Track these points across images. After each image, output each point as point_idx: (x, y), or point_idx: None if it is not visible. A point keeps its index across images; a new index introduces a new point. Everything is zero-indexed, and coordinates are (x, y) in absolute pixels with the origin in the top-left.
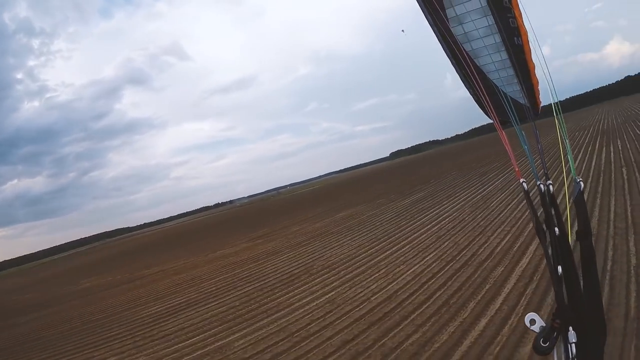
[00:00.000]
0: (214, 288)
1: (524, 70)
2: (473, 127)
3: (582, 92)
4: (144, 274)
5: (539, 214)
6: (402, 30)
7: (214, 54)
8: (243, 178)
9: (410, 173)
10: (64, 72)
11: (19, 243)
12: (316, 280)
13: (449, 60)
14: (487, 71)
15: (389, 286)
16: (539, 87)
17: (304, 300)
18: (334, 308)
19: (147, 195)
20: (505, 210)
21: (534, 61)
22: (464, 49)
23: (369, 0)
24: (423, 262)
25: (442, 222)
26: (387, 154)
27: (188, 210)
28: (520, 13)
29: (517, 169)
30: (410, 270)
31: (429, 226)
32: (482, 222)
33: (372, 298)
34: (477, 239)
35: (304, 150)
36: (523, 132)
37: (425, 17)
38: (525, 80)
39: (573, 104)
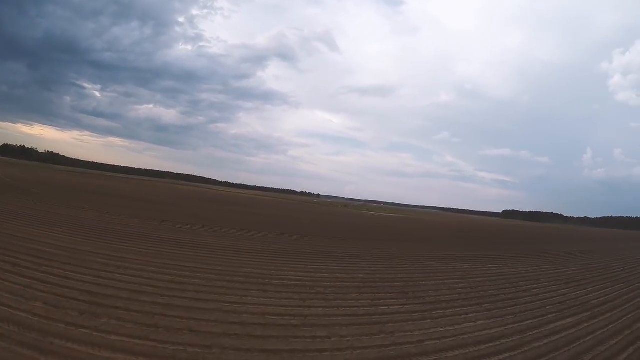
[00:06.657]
0: None
1: None
2: (609, 215)
3: None
4: None
5: None
6: None
7: (361, 55)
8: (354, 180)
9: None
10: (221, 28)
11: (137, 157)
12: None
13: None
14: None
15: None
16: None
17: None
18: None
19: (261, 162)
20: None
21: None
22: None
23: (527, 48)
24: None
25: None
26: (500, 210)
27: (294, 189)
28: None
29: None
30: None
31: None
32: None
33: None
34: None
35: (421, 176)
36: None
37: None
38: None
39: None
